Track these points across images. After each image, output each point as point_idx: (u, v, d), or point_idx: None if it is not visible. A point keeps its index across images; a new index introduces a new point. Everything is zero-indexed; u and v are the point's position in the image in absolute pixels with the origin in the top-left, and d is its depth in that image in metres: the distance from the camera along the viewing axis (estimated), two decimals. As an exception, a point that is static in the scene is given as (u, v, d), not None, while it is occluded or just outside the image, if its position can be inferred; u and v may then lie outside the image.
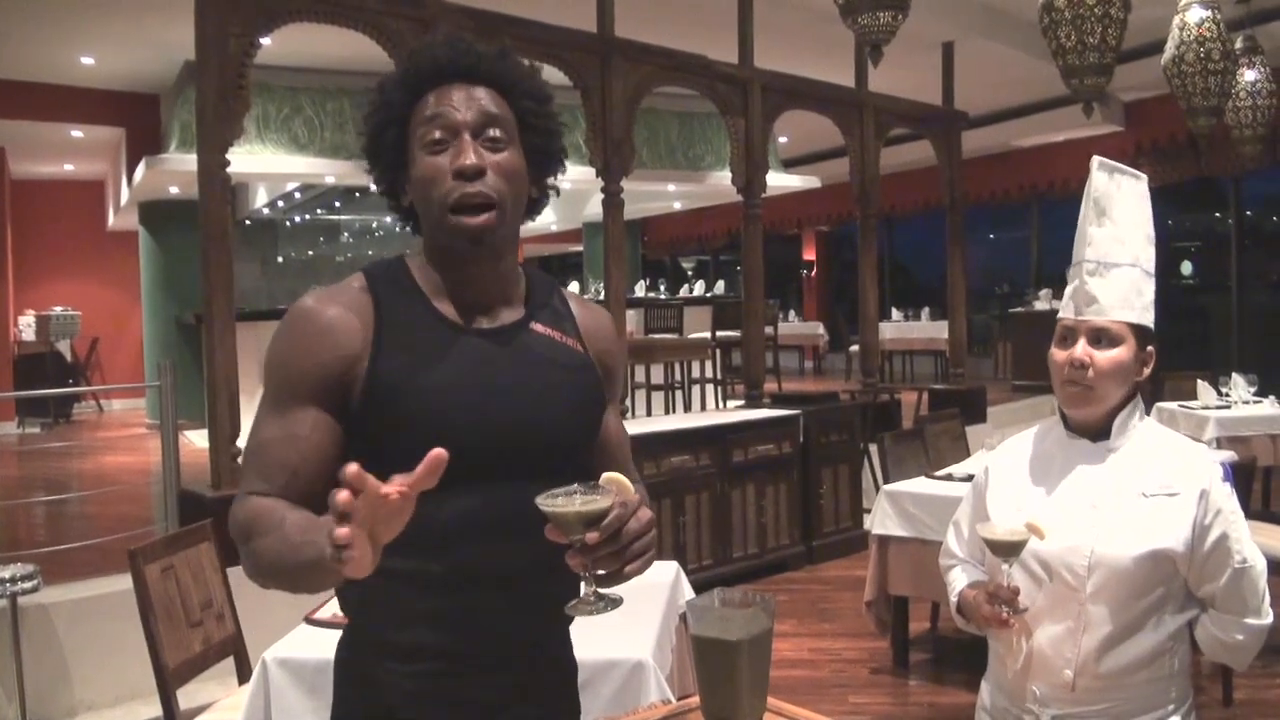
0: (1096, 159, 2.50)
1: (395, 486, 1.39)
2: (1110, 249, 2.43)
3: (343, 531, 1.34)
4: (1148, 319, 2.43)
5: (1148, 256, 2.47)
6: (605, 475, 1.68)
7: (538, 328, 1.92)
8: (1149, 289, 2.45)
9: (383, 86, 1.89)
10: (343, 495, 1.34)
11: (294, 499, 1.72)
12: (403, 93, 1.85)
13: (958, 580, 2.64)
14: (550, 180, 1.99)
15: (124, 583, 3.80)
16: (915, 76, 11.43)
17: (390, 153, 1.87)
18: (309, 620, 3.42)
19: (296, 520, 1.63)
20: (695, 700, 1.94)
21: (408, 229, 1.97)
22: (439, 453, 1.43)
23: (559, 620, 1.90)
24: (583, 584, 1.67)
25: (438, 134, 1.80)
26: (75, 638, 5.27)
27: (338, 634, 1.94)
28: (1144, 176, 2.53)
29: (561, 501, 1.62)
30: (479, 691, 1.83)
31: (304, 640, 3.28)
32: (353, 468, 1.36)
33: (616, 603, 1.67)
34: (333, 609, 3.38)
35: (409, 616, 1.78)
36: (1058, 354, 2.44)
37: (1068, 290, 2.48)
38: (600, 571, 1.66)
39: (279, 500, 1.71)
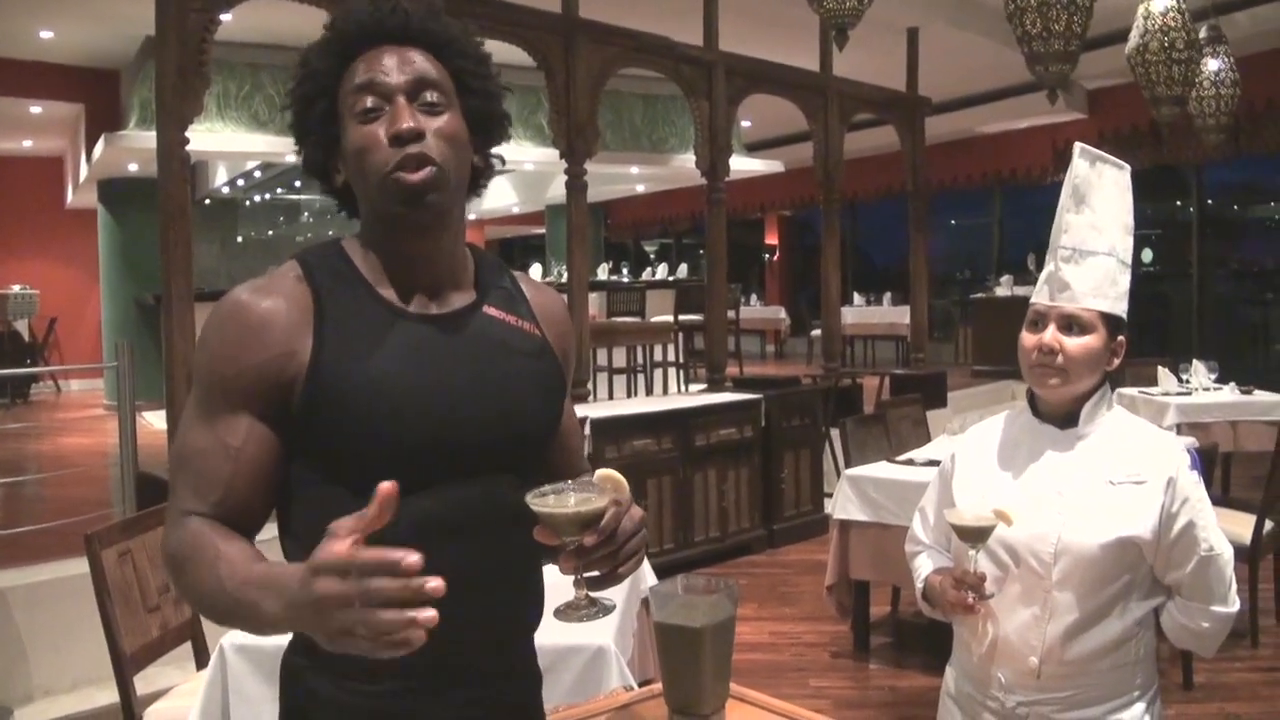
0: (1079, 145, 2.49)
1: (348, 539, 1.30)
2: (1086, 236, 2.42)
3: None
4: (1120, 309, 2.42)
5: (1124, 246, 2.46)
6: (600, 473, 1.61)
7: (491, 311, 1.79)
8: (1124, 279, 2.44)
9: (306, 57, 1.74)
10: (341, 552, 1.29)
11: (227, 514, 1.61)
12: (329, 61, 1.71)
13: (923, 566, 2.64)
14: (494, 148, 1.85)
15: (81, 566, 3.74)
16: (879, 62, 11.43)
17: (319, 127, 1.73)
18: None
19: (232, 565, 1.51)
20: (658, 686, 1.92)
21: (343, 213, 1.83)
22: (388, 488, 1.33)
23: (523, 630, 1.83)
24: (573, 587, 1.59)
25: (370, 101, 1.66)
26: (31, 622, 5.21)
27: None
28: (1127, 167, 2.52)
29: (554, 501, 1.53)
30: (440, 709, 1.71)
31: (262, 625, 3.25)
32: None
33: (609, 609, 1.60)
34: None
35: None
36: (1028, 338, 2.43)
37: (1042, 275, 2.47)
38: (592, 574, 1.59)
39: (213, 527, 1.59)
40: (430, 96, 1.69)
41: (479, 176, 1.83)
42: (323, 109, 1.72)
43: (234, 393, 1.64)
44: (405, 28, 1.71)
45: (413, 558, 1.26)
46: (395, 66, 1.68)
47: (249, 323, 1.64)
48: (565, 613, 1.59)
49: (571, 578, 1.61)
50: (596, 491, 1.56)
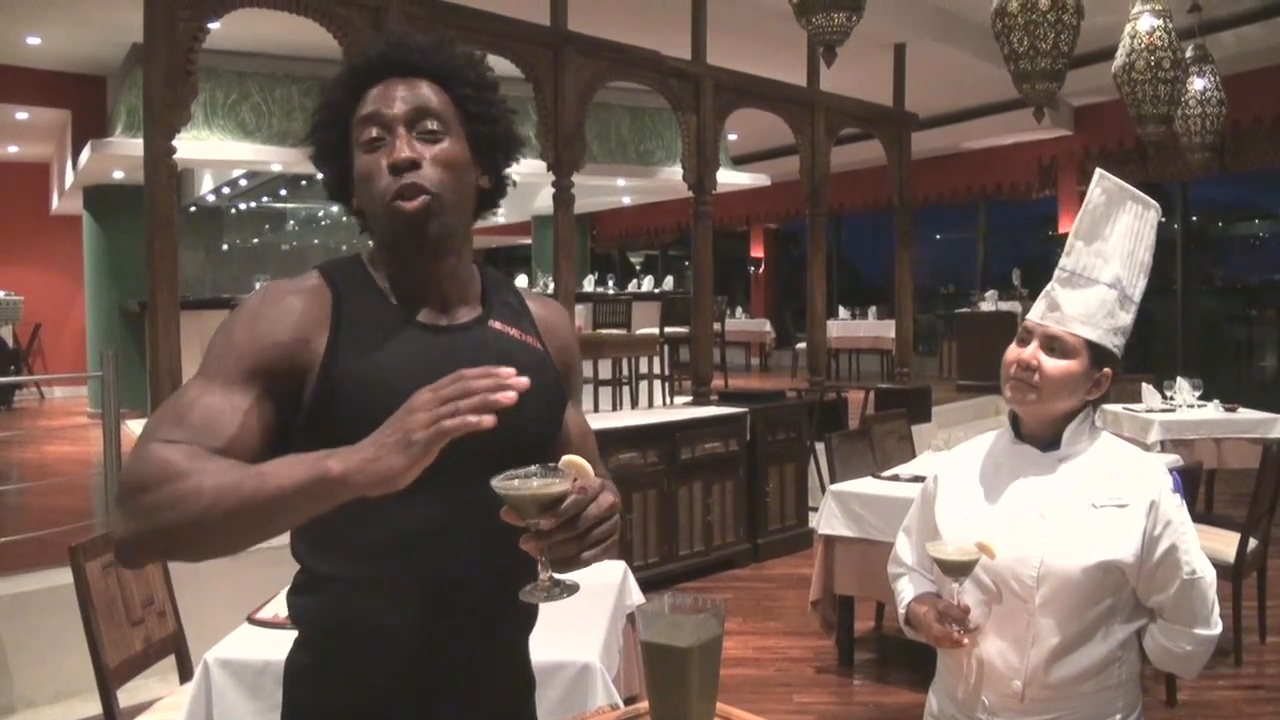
0: (1099, 172, 2.48)
1: None
2: (1089, 263, 2.42)
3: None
4: (1110, 342, 2.40)
5: (1133, 283, 2.44)
6: (565, 458, 1.64)
7: (496, 325, 1.88)
8: (1124, 315, 2.42)
9: (325, 88, 1.86)
10: None
11: None
12: (344, 93, 1.82)
13: (906, 591, 2.64)
14: (505, 169, 1.93)
15: (64, 577, 3.73)
16: (866, 77, 11.47)
17: (335, 155, 1.84)
18: (251, 620, 3.37)
19: (265, 462, 1.53)
20: (644, 705, 1.92)
21: (354, 222, 1.92)
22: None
23: (520, 629, 1.90)
24: (539, 569, 1.62)
25: (374, 131, 1.77)
26: (14, 633, 5.19)
27: (280, 635, 1.89)
28: (1155, 205, 2.50)
29: (517, 484, 1.57)
30: (441, 701, 1.78)
31: (246, 641, 3.23)
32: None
33: (573, 589, 1.62)
34: (275, 609, 3.34)
35: (363, 628, 1.72)
36: (1011, 352, 2.44)
37: (1043, 291, 2.47)
38: (555, 557, 1.62)
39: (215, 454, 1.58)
40: (430, 125, 1.79)
41: (489, 196, 1.92)
42: (336, 138, 1.83)
43: (246, 366, 1.69)
44: (408, 60, 1.82)
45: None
46: (398, 98, 1.78)
47: (271, 307, 1.74)
48: (530, 593, 1.62)
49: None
50: (560, 476, 1.59)
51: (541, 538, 1.58)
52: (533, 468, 1.60)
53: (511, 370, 1.46)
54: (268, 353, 1.69)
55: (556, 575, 1.62)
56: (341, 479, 1.45)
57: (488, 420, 1.42)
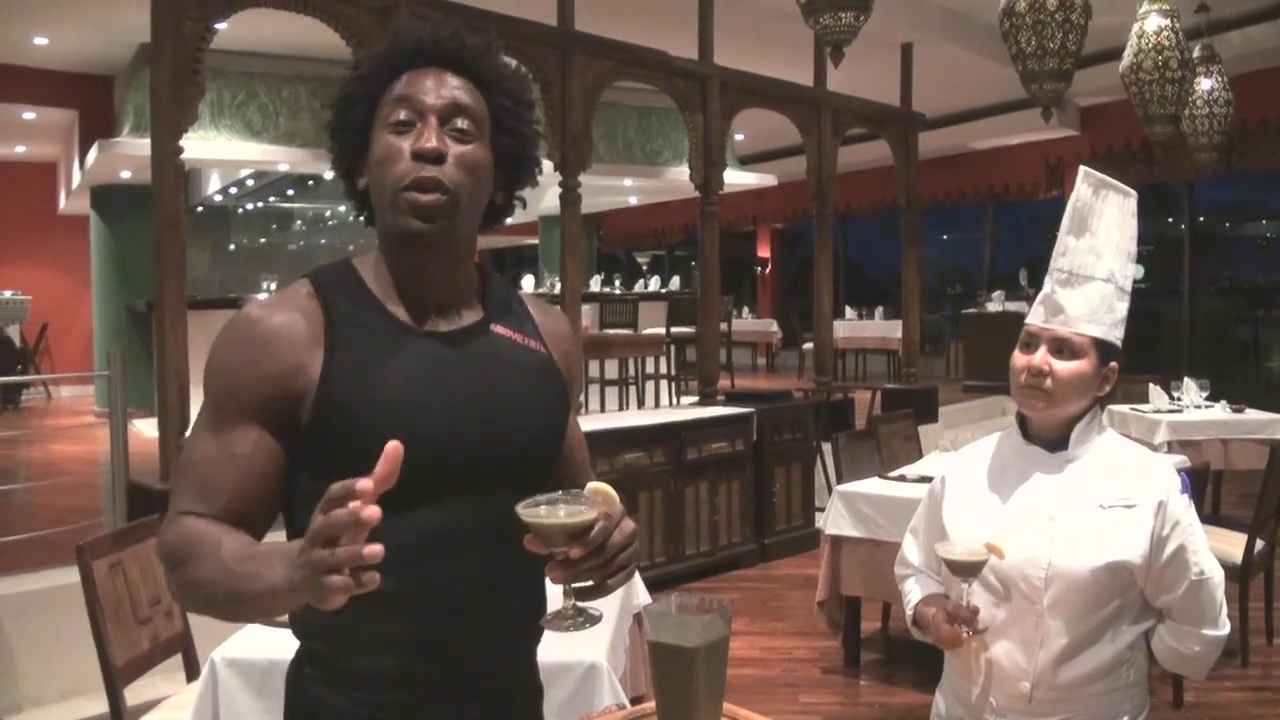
0: (1083, 169, 2.50)
1: (365, 500, 1.33)
2: (1084, 261, 2.42)
3: (372, 549, 1.32)
4: (1114, 336, 2.41)
5: (1124, 273, 2.46)
6: (590, 485, 1.60)
7: (499, 329, 1.82)
8: (1121, 306, 2.44)
9: (360, 60, 1.82)
10: (359, 510, 1.32)
11: (229, 520, 1.63)
12: (379, 69, 1.76)
13: (913, 593, 2.63)
14: (518, 189, 1.88)
15: (70, 576, 3.73)
16: (873, 77, 11.44)
17: (354, 130, 1.77)
18: (259, 618, 3.37)
19: (235, 547, 1.55)
20: (650, 705, 1.91)
21: (361, 219, 1.86)
22: (395, 445, 1.37)
23: (527, 641, 1.86)
24: (562, 596, 1.60)
25: (403, 115, 1.71)
26: (20, 632, 5.19)
27: (287, 634, 1.87)
28: (1133, 193, 2.51)
29: (544, 511, 1.54)
30: (446, 712, 1.74)
31: (253, 640, 3.23)
32: (366, 483, 1.34)
33: (596, 619, 1.61)
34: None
35: (367, 641, 1.68)
36: (1019, 359, 2.43)
37: (1038, 296, 2.47)
38: (581, 585, 1.59)
39: (213, 523, 1.62)
40: (461, 124, 1.73)
41: (497, 211, 1.87)
42: (360, 112, 1.77)
43: (243, 404, 1.67)
44: (458, 55, 1.77)
45: (363, 483, 1.33)
46: (435, 88, 1.73)
47: (260, 337, 1.69)
48: (552, 622, 1.61)
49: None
50: (587, 504, 1.56)
51: (568, 566, 1.55)
52: (557, 494, 1.57)
53: (360, 506, 1.32)
54: (259, 389, 1.67)
55: (579, 604, 1.60)
56: (287, 594, 1.43)
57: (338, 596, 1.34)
